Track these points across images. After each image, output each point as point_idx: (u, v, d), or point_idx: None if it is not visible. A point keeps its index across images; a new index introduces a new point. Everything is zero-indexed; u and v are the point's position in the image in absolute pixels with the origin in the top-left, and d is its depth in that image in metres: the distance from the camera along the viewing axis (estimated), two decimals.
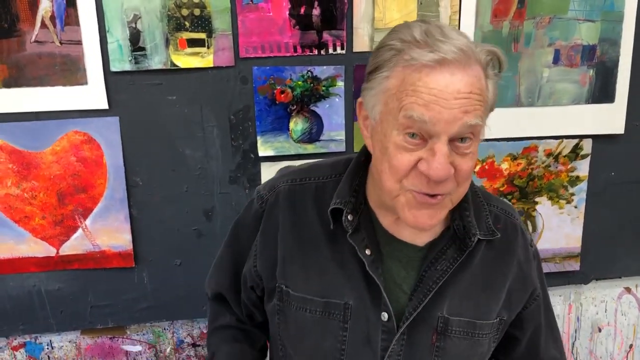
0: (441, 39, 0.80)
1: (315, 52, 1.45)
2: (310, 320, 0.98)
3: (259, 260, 1.04)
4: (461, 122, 0.80)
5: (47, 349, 1.61)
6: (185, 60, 1.41)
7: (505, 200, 1.08)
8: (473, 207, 0.98)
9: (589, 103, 1.59)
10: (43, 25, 1.35)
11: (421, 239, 0.97)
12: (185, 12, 1.38)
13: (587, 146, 1.64)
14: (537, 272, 1.07)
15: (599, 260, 1.76)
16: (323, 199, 0.99)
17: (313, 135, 1.51)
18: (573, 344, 1.86)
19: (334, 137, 1.51)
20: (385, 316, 0.95)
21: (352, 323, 0.96)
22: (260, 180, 1.52)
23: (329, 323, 0.97)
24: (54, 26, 1.35)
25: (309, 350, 1.00)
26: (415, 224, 0.88)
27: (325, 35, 1.45)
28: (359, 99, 0.93)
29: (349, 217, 0.94)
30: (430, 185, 0.84)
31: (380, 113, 0.86)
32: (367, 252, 0.94)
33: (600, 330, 1.87)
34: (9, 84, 1.37)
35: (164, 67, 1.41)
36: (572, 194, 1.68)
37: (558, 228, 1.69)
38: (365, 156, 0.99)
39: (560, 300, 1.81)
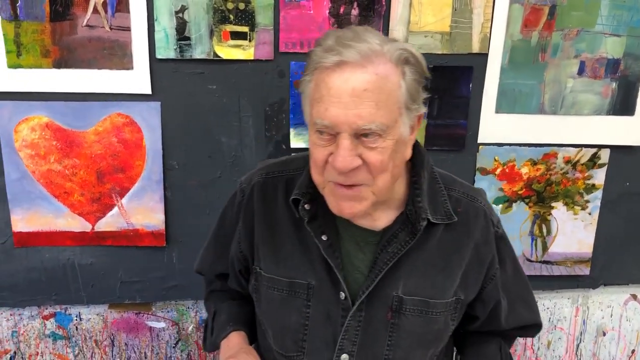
0: (349, 44, 0.89)
1: None
2: (278, 299, 1.09)
3: (243, 245, 1.15)
4: (355, 126, 0.89)
5: (76, 320, 1.68)
6: (228, 51, 1.47)
7: (471, 185, 1.14)
8: (429, 192, 1.05)
9: (609, 114, 1.65)
10: (95, 10, 1.41)
11: (378, 225, 1.05)
12: (230, 5, 1.44)
13: (604, 156, 1.70)
14: (498, 252, 1.12)
15: (608, 267, 1.83)
16: (291, 190, 1.07)
17: None
18: (578, 345, 1.93)
19: None
20: (342, 295, 1.05)
21: (315, 301, 1.07)
22: None
23: (294, 301, 1.08)
24: (105, 12, 1.41)
25: (278, 325, 1.11)
26: (340, 212, 0.98)
27: None
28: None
29: (305, 206, 1.04)
30: (341, 176, 0.93)
31: (307, 115, 0.98)
32: (324, 237, 1.04)
33: (604, 334, 1.94)
34: (59, 64, 1.43)
35: (207, 57, 1.47)
36: (587, 201, 1.74)
37: (571, 233, 1.76)
38: None
39: (568, 302, 1.87)
